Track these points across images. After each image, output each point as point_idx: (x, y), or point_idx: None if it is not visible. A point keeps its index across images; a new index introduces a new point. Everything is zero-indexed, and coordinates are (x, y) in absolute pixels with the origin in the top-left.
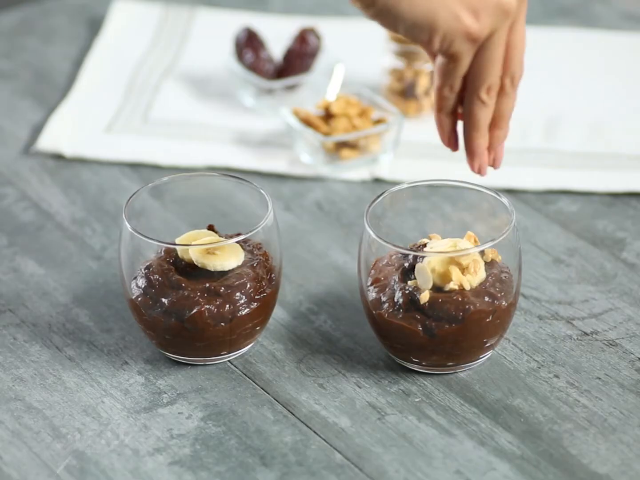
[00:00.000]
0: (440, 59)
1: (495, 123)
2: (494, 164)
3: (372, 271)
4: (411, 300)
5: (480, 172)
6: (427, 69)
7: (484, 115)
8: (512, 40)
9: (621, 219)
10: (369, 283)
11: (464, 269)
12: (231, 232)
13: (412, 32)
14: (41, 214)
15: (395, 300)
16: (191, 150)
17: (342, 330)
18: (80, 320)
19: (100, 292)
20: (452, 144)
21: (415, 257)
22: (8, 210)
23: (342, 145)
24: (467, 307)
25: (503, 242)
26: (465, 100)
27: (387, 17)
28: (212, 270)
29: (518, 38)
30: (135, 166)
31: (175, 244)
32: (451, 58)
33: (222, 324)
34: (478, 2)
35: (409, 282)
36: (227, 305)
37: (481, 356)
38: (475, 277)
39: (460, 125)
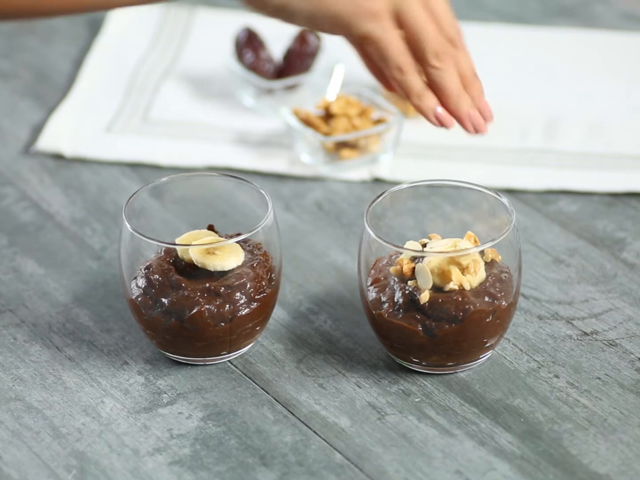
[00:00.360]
0: (362, 48)
1: (464, 82)
2: (485, 118)
3: (372, 271)
4: (411, 300)
5: (477, 130)
6: None
7: (448, 79)
8: (431, 7)
9: (621, 219)
10: (369, 283)
11: (464, 269)
12: (231, 232)
13: (312, 23)
14: (41, 214)
15: (395, 300)
16: (191, 150)
17: (342, 330)
18: (80, 320)
19: (100, 292)
20: (445, 121)
21: (415, 257)
22: (8, 210)
23: (342, 145)
24: (467, 307)
25: (503, 242)
26: (425, 75)
27: (283, 14)
28: (212, 270)
29: (436, 2)
30: (135, 166)
31: (175, 244)
32: (366, 40)
33: (222, 324)
34: None
35: (409, 282)
36: (227, 305)
37: (481, 356)
38: (475, 277)
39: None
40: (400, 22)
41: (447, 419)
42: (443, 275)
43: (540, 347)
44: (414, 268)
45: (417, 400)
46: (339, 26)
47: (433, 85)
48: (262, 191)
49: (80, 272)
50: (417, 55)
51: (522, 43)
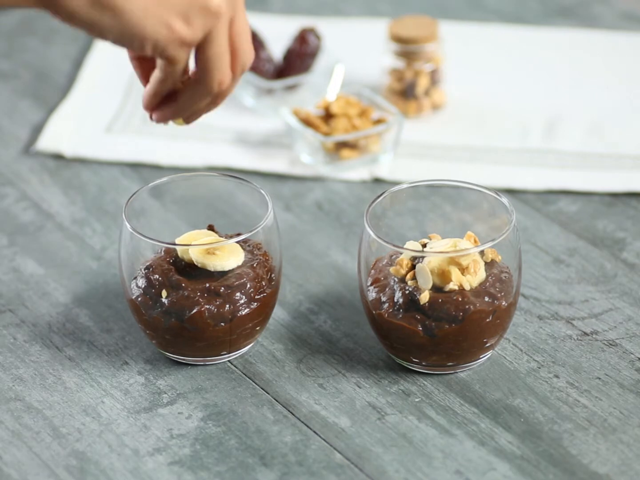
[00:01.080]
0: (159, 60)
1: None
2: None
3: (372, 271)
4: (411, 300)
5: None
6: (427, 69)
7: (196, 102)
8: (233, 34)
9: (621, 219)
10: (369, 283)
11: (463, 269)
12: (231, 232)
13: (121, 42)
14: (41, 214)
15: (395, 300)
16: (191, 150)
17: (342, 330)
18: (80, 320)
19: (100, 292)
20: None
21: (415, 257)
22: (8, 210)
23: (342, 145)
24: (467, 307)
25: (503, 242)
26: (191, 89)
27: (94, 31)
28: (212, 270)
29: (239, 30)
30: (135, 166)
31: (175, 244)
32: (168, 61)
33: (222, 324)
34: (186, 7)
35: (409, 282)
36: (227, 305)
37: (481, 356)
38: (475, 277)
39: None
40: (201, 46)
41: (447, 419)
42: (443, 275)
43: (540, 347)
44: (414, 268)
45: (417, 400)
46: (152, 49)
47: (183, 97)
48: (262, 191)
49: (80, 272)
50: (200, 76)
51: (522, 43)
